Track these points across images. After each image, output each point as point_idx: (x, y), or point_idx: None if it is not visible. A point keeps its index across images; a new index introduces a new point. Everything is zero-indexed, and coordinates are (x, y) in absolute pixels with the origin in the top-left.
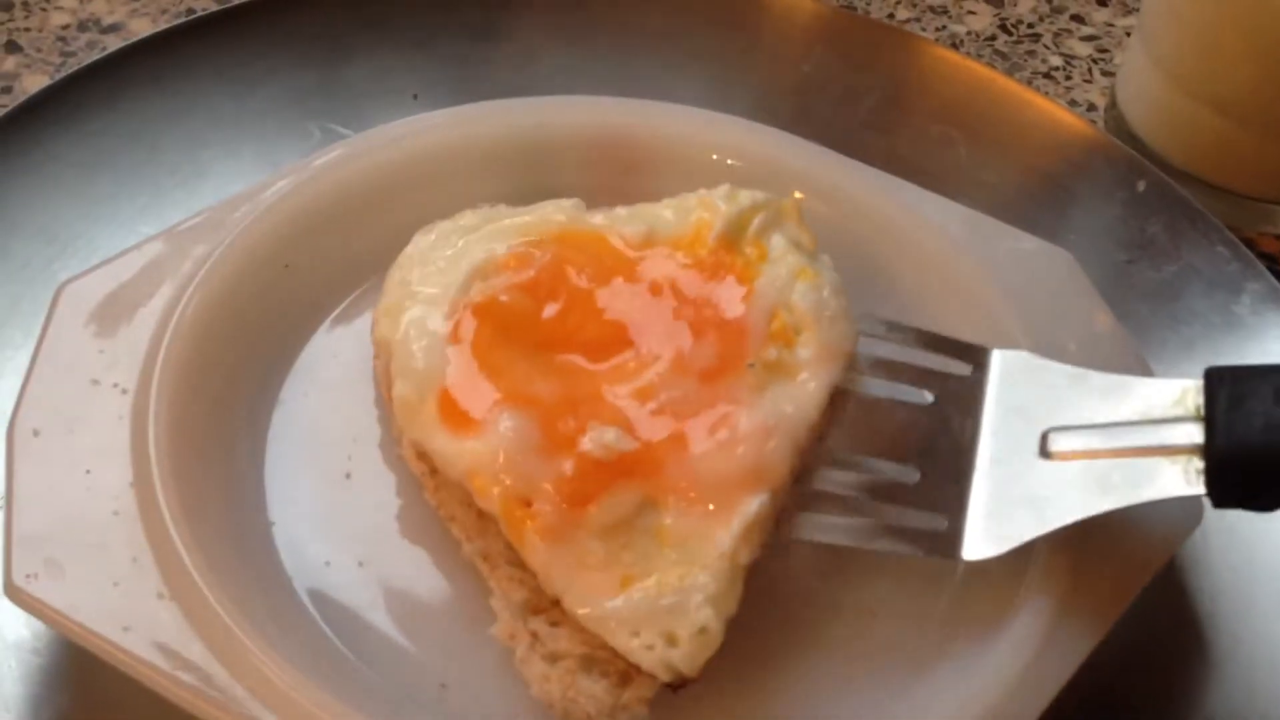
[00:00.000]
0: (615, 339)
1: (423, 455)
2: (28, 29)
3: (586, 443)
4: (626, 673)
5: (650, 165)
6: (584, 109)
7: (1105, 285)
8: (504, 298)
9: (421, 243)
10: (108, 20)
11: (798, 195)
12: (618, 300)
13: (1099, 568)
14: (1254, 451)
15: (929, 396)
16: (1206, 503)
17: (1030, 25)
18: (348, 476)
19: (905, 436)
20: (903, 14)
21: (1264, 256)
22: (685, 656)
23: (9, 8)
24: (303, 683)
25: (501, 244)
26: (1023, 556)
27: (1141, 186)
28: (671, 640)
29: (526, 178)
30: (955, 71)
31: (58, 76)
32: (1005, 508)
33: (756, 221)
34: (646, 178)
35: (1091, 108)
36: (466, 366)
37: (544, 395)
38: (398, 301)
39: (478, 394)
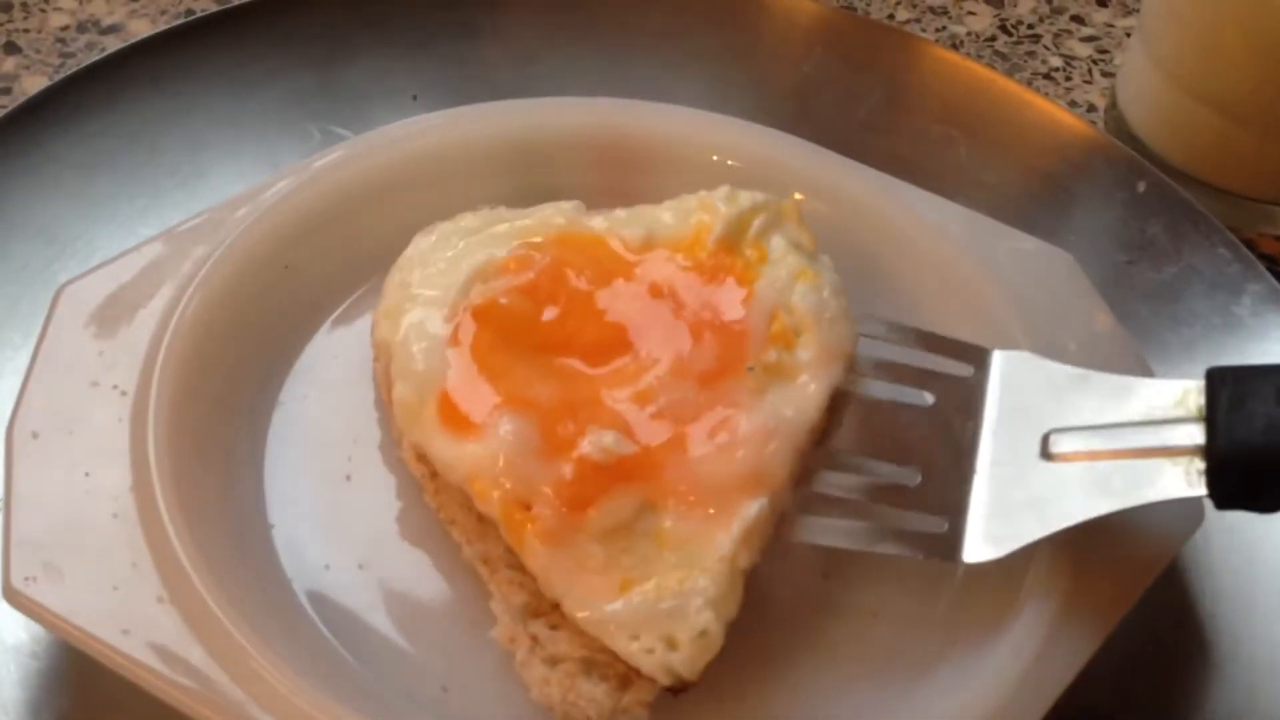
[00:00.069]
0: (615, 342)
1: (423, 458)
2: (27, 30)
3: (585, 446)
4: (627, 676)
5: (650, 166)
6: (584, 110)
7: (1106, 286)
8: (504, 300)
9: (421, 244)
10: (107, 21)
11: (798, 197)
12: (617, 303)
13: (1100, 570)
14: (1255, 453)
15: (930, 398)
16: (1208, 504)
17: (1030, 26)
18: (348, 479)
19: (906, 438)
20: (903, 15)
21: (1264, 258)
22: (685, 660)
23: (8, 9)
24: (303, 686)
25: (501, 247)
26: (1024, 559)
27: (1142, 187)
28: (672, 644)
29: (526, 179)
30: (955, 72)
31: (57, 78)
32: (1006, 510)
33: (756, 223)
34: (646, 179)
35: (1092, 108)
36: (466, 369)
37: (544, 399)
38: (397, 304)
39: (477, 397)
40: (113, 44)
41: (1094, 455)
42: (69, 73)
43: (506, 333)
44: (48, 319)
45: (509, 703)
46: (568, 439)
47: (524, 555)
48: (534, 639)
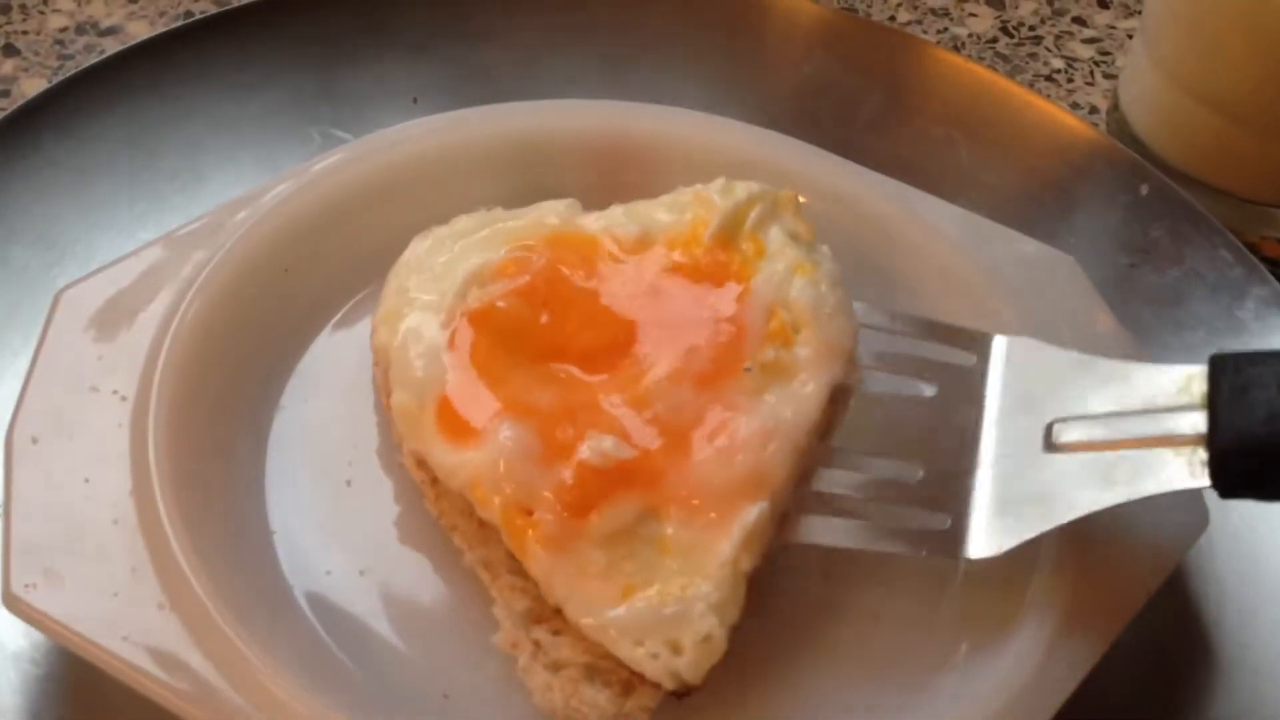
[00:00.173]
0: (612, 345)
1: (423, 464)
2: (25, 32)
3: (584, 451)
4: (629, 682)
5: (651, 169)
6: (584, 112)
7: (1107, 289)
8: (500, 304)
9: (418, 249)
10: (106, 23)
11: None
12: (614, 305)
13: (1104, 576)
14: (1258, 442)
15: (931, 389)
16: (1211, 504)
17: (1032, 28)
18: (348, 484)
19: (908, 430)
20: (904, 16)
21: (1266, 261)
22: (690, 664)
23: (6, 10)
24: (303, 693)
25: (497, 249)
26: (1027, 562)
27: (1144, 190)
28: (676, 649)
29: (527, 181)
30: (957, 74)
31: (55, 80)
32: (1009, 504)
33: (753, 214)
34: (647, 181)
35: (1093, 110)
36: (464, 375)
37: (542, 404)
38: (395, 309)
39: (476, 403)
40: (111, 46)
41: (1097, 445)
42: (67, 75)
43: (503, 337)
44: (47, 323)
45: (511, 709)
46: (567, 444)
47: (526, 561)
48: (536, 645)
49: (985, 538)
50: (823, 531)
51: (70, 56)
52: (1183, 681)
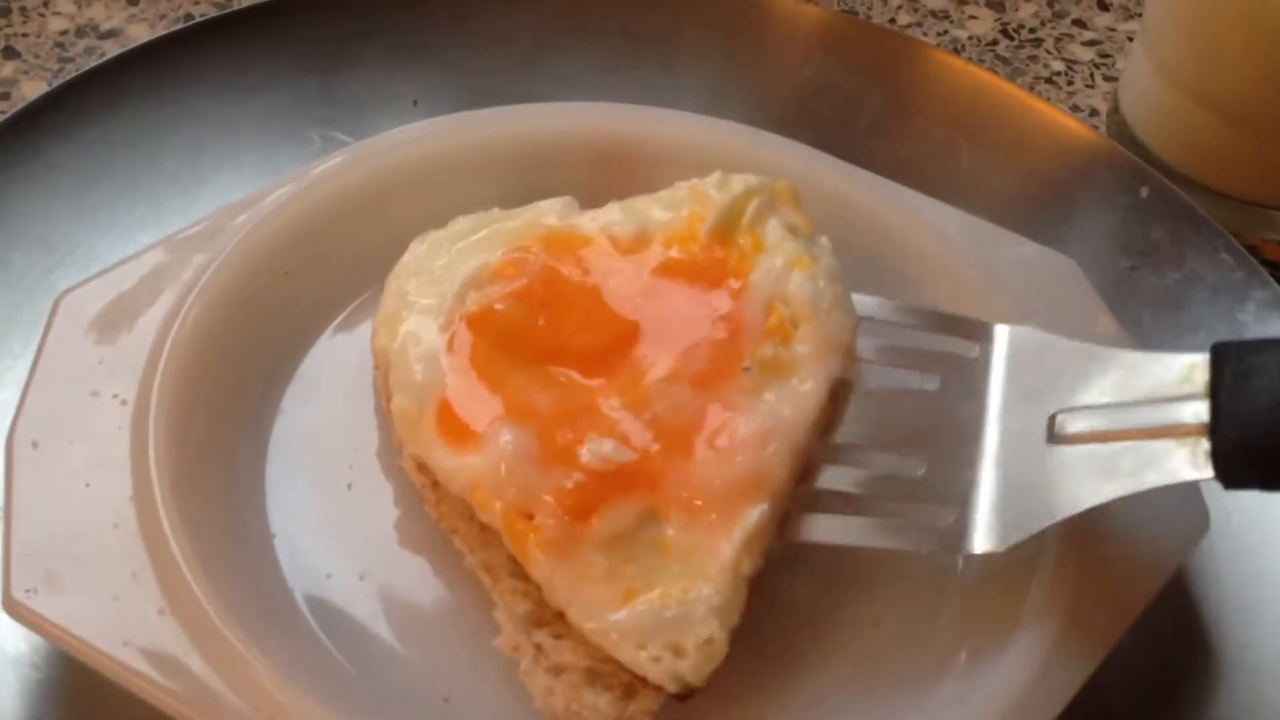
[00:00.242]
0: (611, 346)
1: (424, 467)
2: (25, 34)
3: (584, 455)
4: (631, 685)
5: (651, 171)
6: (584, 115)
7: (1108, 292)
8: (498, 307)
9: (416, 251)
10: (106, 26)
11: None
12: (612, 306)
13: (1105, 579)
14: (1261, 430)
15: (933, 381)
16: (1211, 509)
17: (1032, 30)
18: (349, 487)
19: (910, 424)
20: (904, 19)
21: (1267, 264)
22: (692, 667)
23: (6, 13)
24: (304, 697)
25: (494, 251)
26: (1028, 566)
27: (1144, 192)
28: (678, 652)
29: (527, 184)
30: (957, 77)
31: (56, 83)
32: (1012, 498)
33: (751, 208)
34: (647, 184)
35: (1094, 113)
36: (464, 379)
37: (542, 407)
38: (395, 312)
39: (476, 407)
40: (112, 49)
41: (1100, 437)
42: (68, 78)
43: (502, 340)
44: (47, 327)
45: (512, 713)
46: (567, 447)
47: (527, 565)
48: (538, 648)
49: (989, 533)
50: (824, 530)
51: (70, 59)
52: (1183, 683)
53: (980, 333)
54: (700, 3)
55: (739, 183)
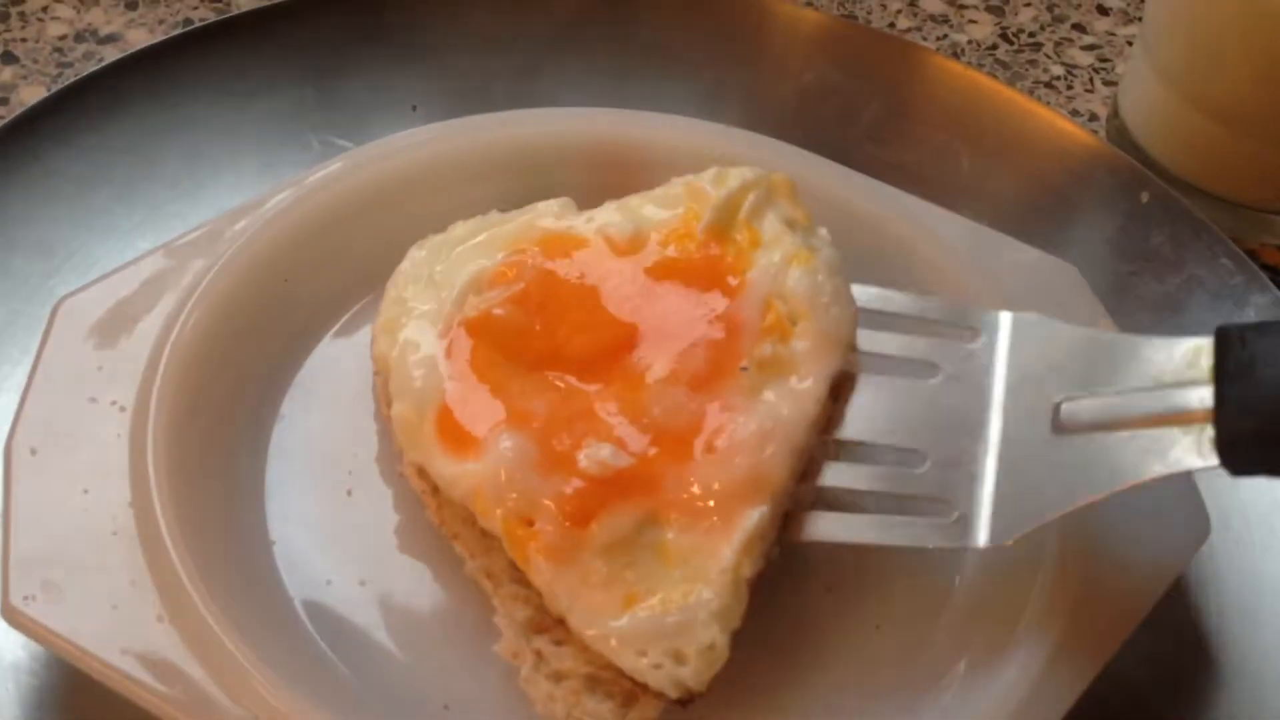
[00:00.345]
0: (609, 349)
1: (424, 473)
2: (24, 39)
3: (582, 460)
4: (632, 692)
5: (649, 176)
6: (584, 120)
7: (1108, 297)
8: (497, 312)
9: (416, 257)
10: (105, 31)
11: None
12: (610, 309)
13: (1105, 586)
14: (1265, 417)
15: (936, 372)
16: (1211, 515)
17: (1031, 34)
18: (349, 493)
19: (913, 416)
20: (903, 23)
21: (1267, 268)
22: (694, 673)
23: (5, 17)
24: (303, 704)
25: (492, 255)
26: (1028, 572)
27: (1144, 197)
28: (679, 658)
29: (526, 189)
30: (957, 81)
31: (54, 88)
32: (1017, 491)
33: (748, 202)
34: (644, 189)
35: (1093, 117)
36: (463, 385)
37: (541, 412)
38: (394, 318)
39: (475, 413)
40: (111, 54)
41: (1105, 426)
42: (66, 83)
43: (501, 345)
44: (46, 333)
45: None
46: (567, 453)
47: (528, 571)
48: (538, 654)
49: (994, 527)
50: (827, 529)
51: (69, 64)
52: (1184, 689)
53: (982, 321)
54: (699, 7)
55: (735, 177)
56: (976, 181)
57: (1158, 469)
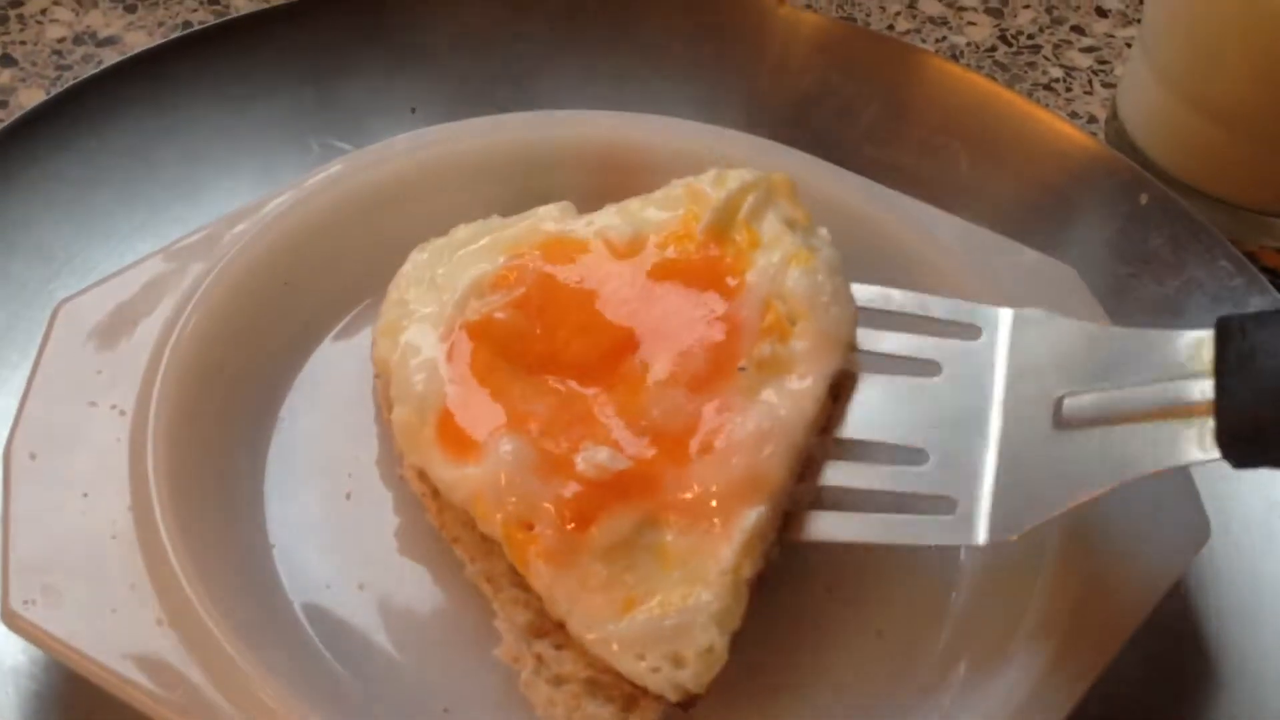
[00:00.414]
0: (609, 353)
1: (424, 476)
2: (23, 42)
3: (580, 463)
4: (632, 696)
5: (648, 178)
6: (583, 123)
7: (1107, 299)
8: (498, 316)
9: (417, 260)
10: (104, 34)
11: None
12: (610, 312)
13: (1105, 590)
14: (1266, 409)
15: (937, 369)
16: (1211, 518)
17: (1030, 36)
18: (348, 497)
19: (914, 413)
20: (903, 25)
21: (1266, 271)
22: (693, 676)
23: (4, 20)
24: (303, 708)
25: (493, 259)
26: (1030, 574)
27: (1143, 199)
28: (678, 661)
29: (526, 192)
30: (956, 84)
31: (53, 91)
32: (1019, 487)
33: (748, 203)
34: (644, 191)
35: (1092, 120)
36: (464, 389)
37: (541, 416)
38: (395, 321)
39: (476, 417)
40: (110, 56)
41: (1106, 420)
42: (65, 86)
43: (501, 349)
44: (45, 337)
45: None
46: (566, 457)
47: (528, 575)
48: (539, 658)
49: (997, 523)
50: (828, 528)
51: (68, 67)
52: (1184, 692)
53: (983, 318)
54: (699, 10)
55: (734, 178)
56: (975, 184)
57: (1159, 462)
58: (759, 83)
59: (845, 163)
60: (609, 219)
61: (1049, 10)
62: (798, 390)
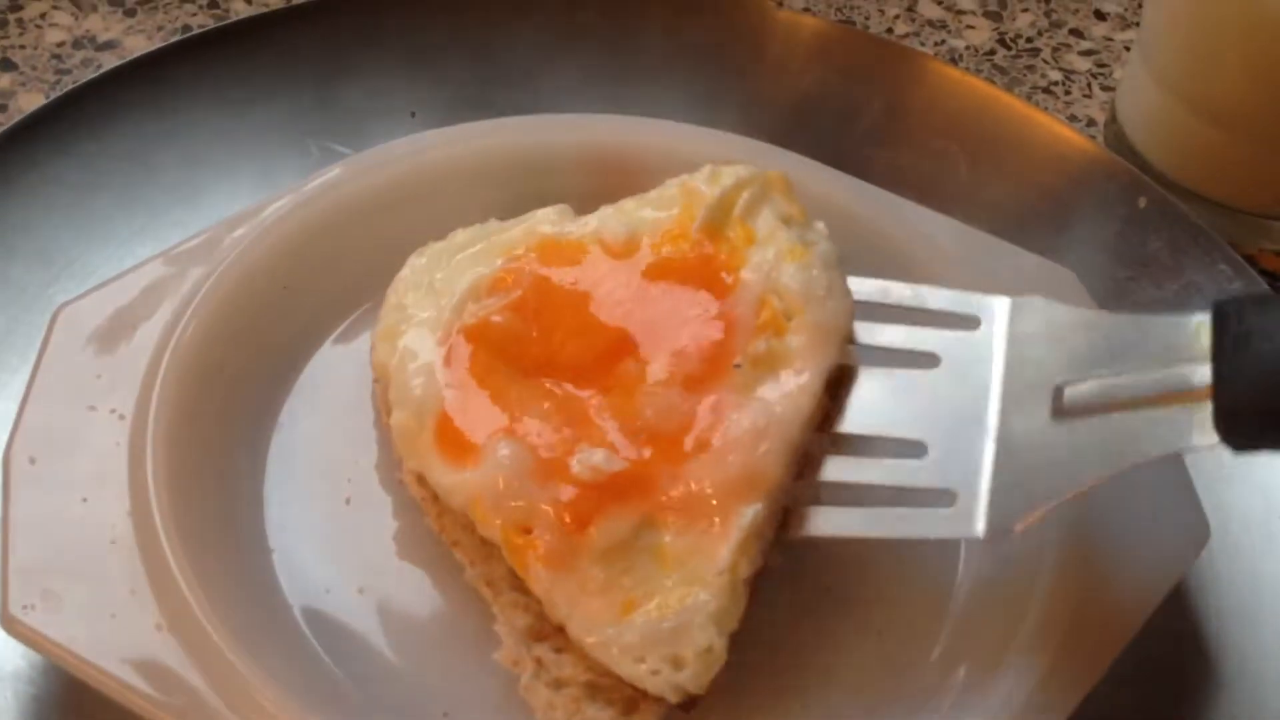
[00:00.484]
0: (606, 354)
1: (423, 480)
2: (22, 46)
3: (574, 465)
4: (632, 700)
5: (647, 182)
6: (582, 126)
7: (1106, 302)
8: (495, 319)
9: (416, 264)
10: (103, 38)
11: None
12: (606, 313)
13: (1105, 592)
14: (1263, 392)
15: (936, 360)
16: (1210, 520)
17: (1029, 40)
18: (348, 501)
19: (913, 407)
20: (901, 28)
21: (1265, 274)
22: (692, 677)
23: (3, 24)
24: (302, 713)
25: (491, 263)
26: (1030, 576)
27: (1142, 203)
28: (677, 663)
29: (525, 195)
30: (955, 87)
31: (53, 95)
32: (1019, 478)
33: (742, 200)
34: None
35: (1091, 123)
36: (462, 393)
37: (539, 419)
38: (394, 326)
39: (474, 421)
40: (109, 61)
41: (1105, 407)
42: (65, 91)
43: (499, 352)
44: (45, 341)
45: None
46: (562, 460)
47: (527, 579)
48: (539, 662)
49: (996, 515)
50: (827, 524)
51: (68, 71)
52: (1185, 694)
53: (982, 308)
54: (698, 13)
55: (729, 175)
56: (974, 187)
57: (1159, 448)
58: (758, 86)
59: (844, 166)
60: (604, 220)
61: (1048, 13)
62: (793, 386)
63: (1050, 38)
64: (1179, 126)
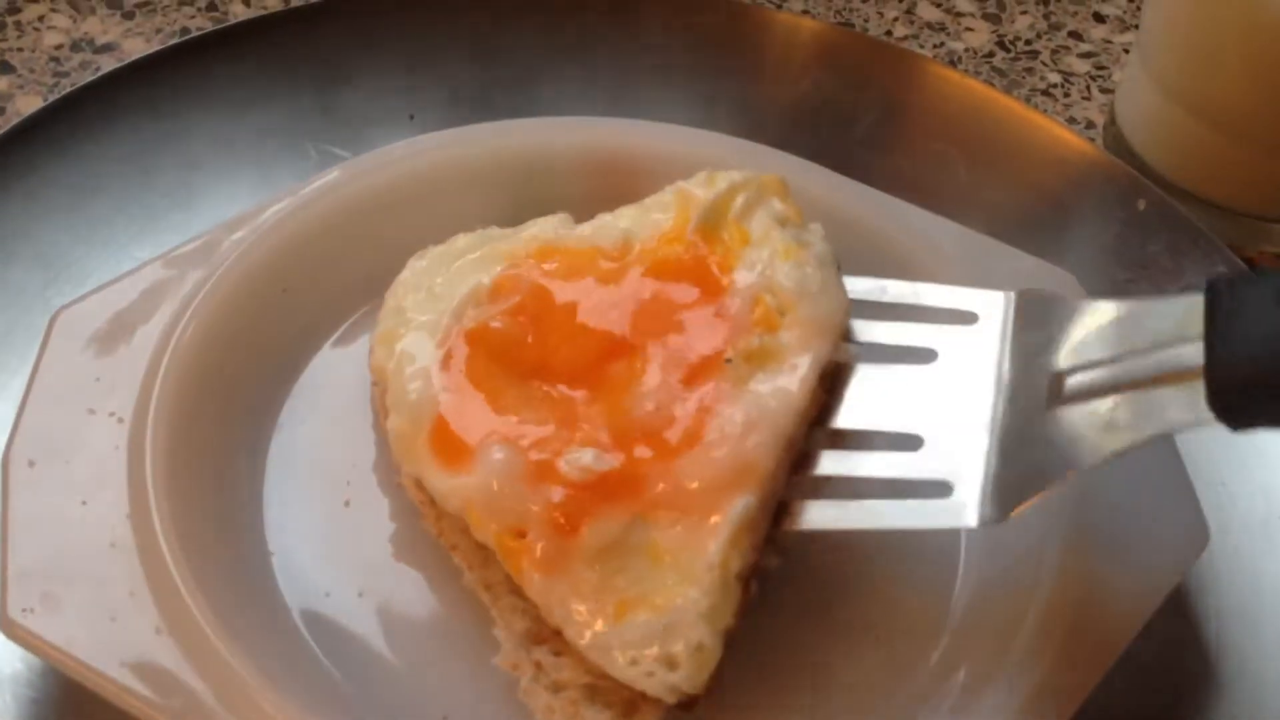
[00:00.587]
0: (602, 358)
1: (421, 484)
2: (20, 49)
3: (563, 466)
4: (632, 702)
5: (647, 185)
6: (581, 130)
7: None
8: (494, 324)
9: (416, 267)
10: (101, 40)
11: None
12: (603, 318)
13: (1104, 594)
14: (1254, 367)
15: (933, 355)
16: (1210, 522)
17: (1028, 42)
18: (347, 504)
19: (910, 401)
20: (900, 31)
21: None
22: (686, 676)
23: (1, 27)
24: (302, 716)
25: (491, 269)
26: (1029, 579)
27: (1141, 205)
28: (670, 663)
29: (524, 198)
30: (954, 89)
31: (51, 98)
32: (1012, 466)
33: (738, 203)
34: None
35: (1090, 125)
36: (458, 397)
37: (535, 423)
38: (392, 329)
39: (470, 425)
40: (107, 63)
41: (1100, 392)
42: (63, 94)
43: (496, 357)
44: (43, 344)
45: None
46: (554, 462)
47: (523, 583)
48: (537, 665)
49: (989, 504)
50: (822, 517)
51: (66, 74)
52: (1184, 697)
53: (980, 302)
54: (697, 16)
55: (724, 179)
56: (973, 189)
57: (1152, 429)
58: (757, 88)
59: (843, 168)
60: (602, 226)
61: (1047, 16)
62: (785, 379)
63: (1049, 40)
64: (1178, 129)
